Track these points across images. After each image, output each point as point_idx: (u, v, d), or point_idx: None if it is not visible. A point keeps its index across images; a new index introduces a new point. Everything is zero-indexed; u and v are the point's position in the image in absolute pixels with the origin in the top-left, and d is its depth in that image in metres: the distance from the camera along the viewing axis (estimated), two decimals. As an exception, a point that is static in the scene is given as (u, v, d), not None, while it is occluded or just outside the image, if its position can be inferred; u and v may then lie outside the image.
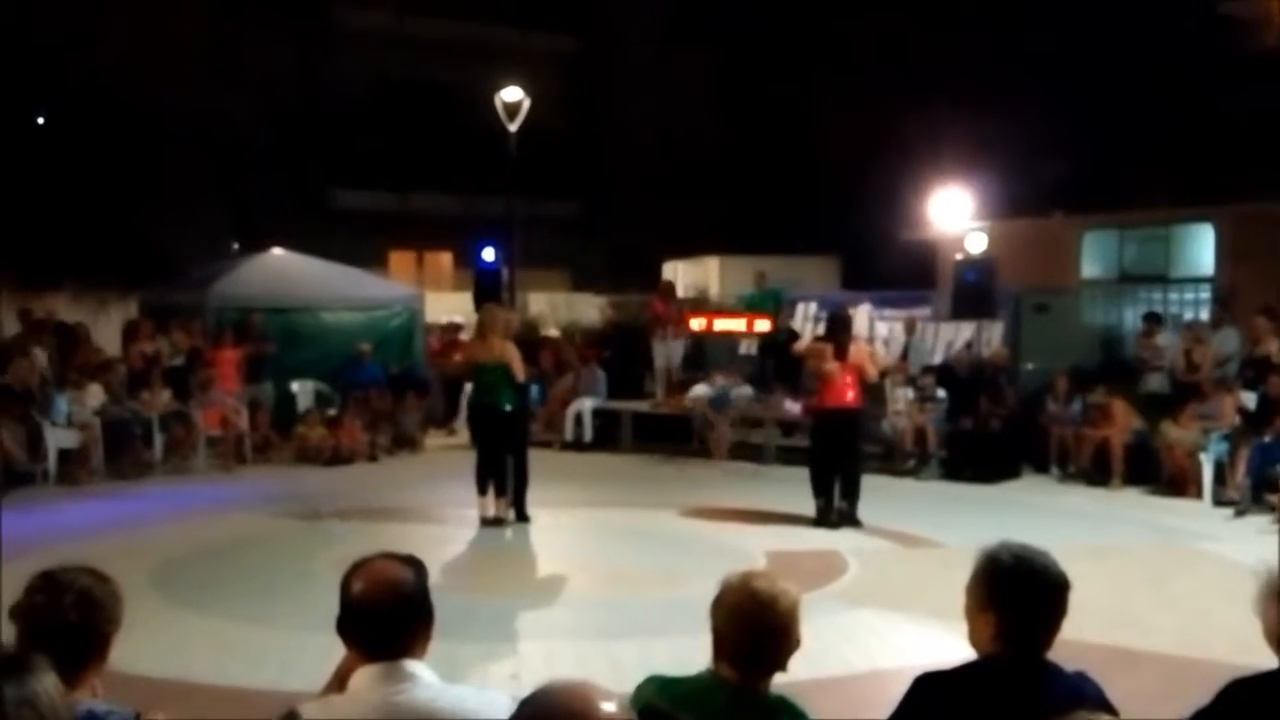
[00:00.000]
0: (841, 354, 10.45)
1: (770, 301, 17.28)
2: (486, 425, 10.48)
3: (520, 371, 10.38)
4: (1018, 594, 2.95)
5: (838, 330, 10.86)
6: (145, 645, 6.12)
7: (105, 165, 22.39)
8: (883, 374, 12.51)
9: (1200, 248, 17.35)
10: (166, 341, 14.97)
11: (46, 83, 23.29)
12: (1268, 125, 19.83)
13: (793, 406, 14.23)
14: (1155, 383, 13.82)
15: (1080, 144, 21.34)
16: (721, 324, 16.71)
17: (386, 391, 15.71)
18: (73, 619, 2.66)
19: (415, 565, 2.89)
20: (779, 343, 15.85)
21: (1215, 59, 21.40)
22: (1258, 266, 15.57)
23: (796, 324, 17.11)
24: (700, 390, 15.40)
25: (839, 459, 10.60)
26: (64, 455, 12.77)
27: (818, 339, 11.40)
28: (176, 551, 9.43)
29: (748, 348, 16.72)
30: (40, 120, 24.96)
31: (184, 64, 23.69)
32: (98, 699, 2.69)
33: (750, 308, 17.39)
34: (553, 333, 20.11)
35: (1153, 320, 15.03)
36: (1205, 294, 16.63)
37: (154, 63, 22.71)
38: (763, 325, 16.20)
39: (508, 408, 10.32)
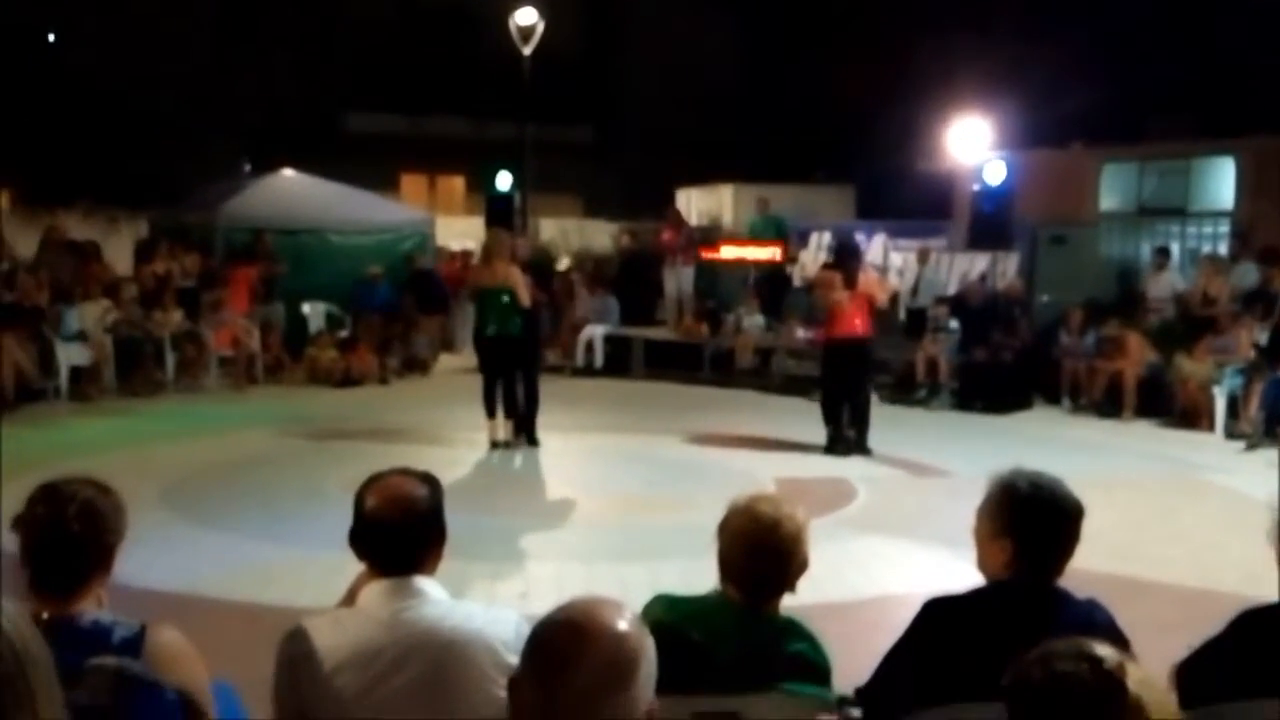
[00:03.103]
0: (851, 283, 10.36)
1: (772, 229, 17.22)
2: (492, 351, 10.42)
3: (526, 297, 10.23)
4: (1034, 521, 2.92)
5: (847, 259, 10.76)
6: (154, 559, 6.17)
7: (118, 83, 22.22)
8: (893, 298, 12.47)
9: (1220, 181, 17.11)
10: (177, 263, 14.96)
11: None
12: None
13: (804, 335, 14.18)
14: (1155, 324, 13.73)
15: (1102, 75, 21.00)
16: (728, 251, 16.60)
17: (397, 314, 15.71)
18: (75, 530, 2.64)
19: (431, 483, 2.87)
20: (772, 275, 15.85)
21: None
22: (1278, 201, 15.39)
23: (810, 253, 17.01)
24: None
25: (850, 388, 10.57)
26: (75, 372, 12.80)
27: (826, 267, 11.28)
28: (187, 469, 9.48)
29: (755, 276, 16.64)
30: (51, 37, 24.73)
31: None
32: (103, 610, 2.69)
33: (753, 235, 17.32)
34: (563, 264, 20.00)
35: (1162, 254, 14.90)
36: (1224, 228, 16.43)
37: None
38: (765, 253, 16.13)
39: (513, 332, 10.25)
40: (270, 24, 25.27)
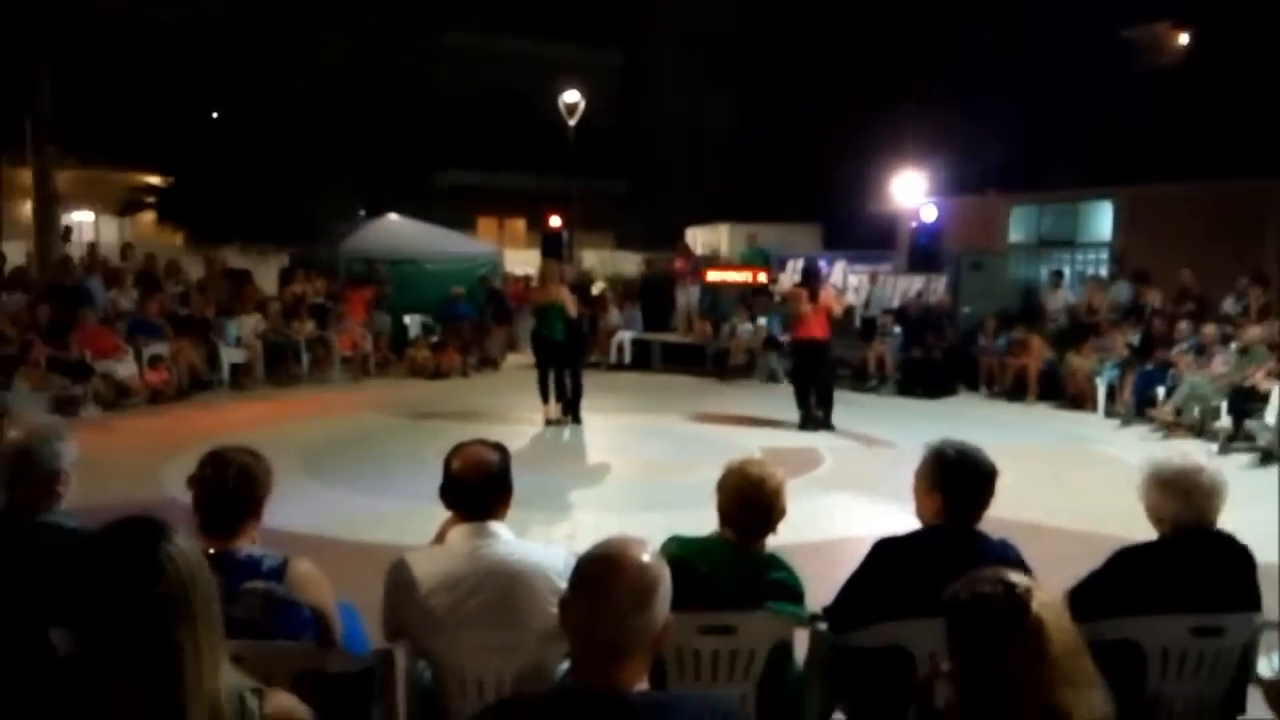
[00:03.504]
0: (814, 297, 10.36)
1: (758, 257, 17.30)
2: (544, 347, 10.50)
3: (573, 310, 10.35)
4: (959, 479, 2.91)
5: (811, 278, 10.77)
6: (293, 509, 6.20)
7: (266, 149, 22.30)
8: (848, 310, 12.43)
9: (1102, 219, 16.92)
10: (310, 286, 15.05)
11: (220, 86, 23.17)
12: (1158, 125, 19.42)
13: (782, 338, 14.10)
14: (1052, 329, 13.58)
15: (1011, 137, 20.89)
16: (716, 274, 16.61)
17: (475, 324, 15.75)
18: (234, 486, 2.68)
19: (501, 449, 2.89)
20: (757, 292, 15.84)
21: (1118, 72, 20.93)
22: (1146, 234, 15.30)
23: (786, 277, 16.95)
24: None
25: (813, 378, 10.54)
26: (234, 368, 12.89)
27: (796, 286, 11.26)
28: (319, 441, 9.52)
29: (744, 293, 16.54)
30: (215, 115, 24.88)
31: (326, 73, 23.40)
32: (255, 546, 2.71)
33: (744, 263, 17.36)
34: (600, 285, 19.97)
35: (1058, 276, 14.77)
36: (1104, 255, 16.27)
37: (305, 71, 22.49)
38: (752, 276, 16.14)
39: (559, 338, 10.30)
40: (379, 102, 25.34)
